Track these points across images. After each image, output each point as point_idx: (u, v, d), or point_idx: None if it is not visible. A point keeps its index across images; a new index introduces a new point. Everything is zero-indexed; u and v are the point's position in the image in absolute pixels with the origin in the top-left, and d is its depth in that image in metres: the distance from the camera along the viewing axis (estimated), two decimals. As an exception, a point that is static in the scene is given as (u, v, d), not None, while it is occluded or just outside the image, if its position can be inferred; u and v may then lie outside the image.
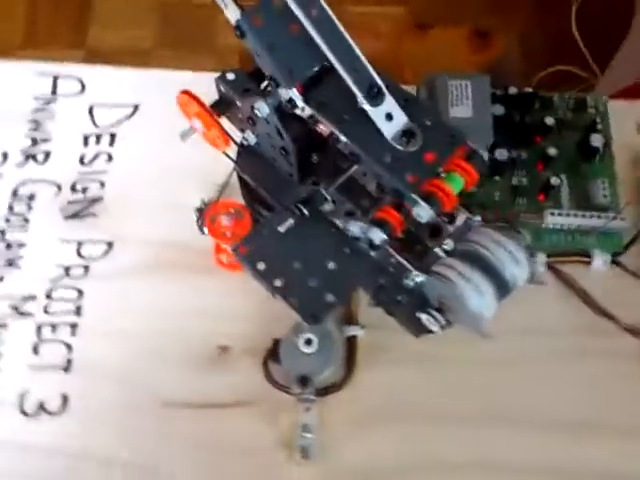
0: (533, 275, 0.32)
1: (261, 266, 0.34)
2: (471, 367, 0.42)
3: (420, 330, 0.33)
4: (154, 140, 0.48)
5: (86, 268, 0.44)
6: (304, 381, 0.40)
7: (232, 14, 0.30)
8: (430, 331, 0.33)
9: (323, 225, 0.35)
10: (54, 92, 0.49)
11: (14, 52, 1.17)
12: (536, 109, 0.48)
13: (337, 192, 0.35)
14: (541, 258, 0.44)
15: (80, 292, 0.43)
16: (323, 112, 0.30)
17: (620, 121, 0.48)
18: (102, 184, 0.47)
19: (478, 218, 0.33)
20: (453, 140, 0.29)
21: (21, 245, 0.44)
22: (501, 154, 0.44)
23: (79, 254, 0.44)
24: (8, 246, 0.44)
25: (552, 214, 0.44)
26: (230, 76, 0.35)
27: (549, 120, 0.46)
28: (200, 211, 0.44)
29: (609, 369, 0.42)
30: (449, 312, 0.31)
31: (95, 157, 0.48)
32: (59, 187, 0.46)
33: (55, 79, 0.50)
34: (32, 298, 0.43)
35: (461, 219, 0.34)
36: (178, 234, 0.45)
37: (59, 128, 0.48)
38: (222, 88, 0.36)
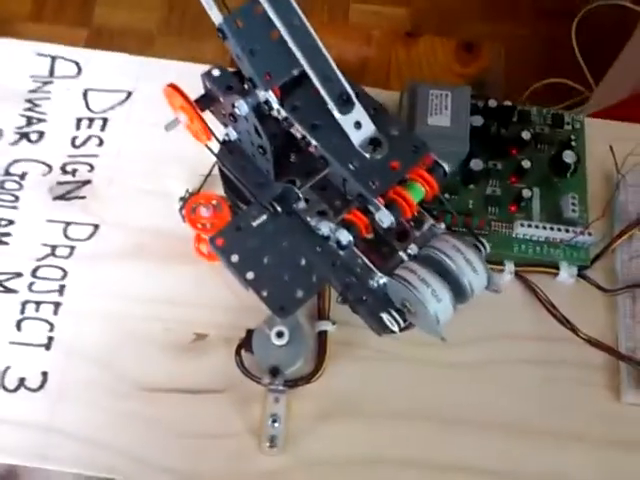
0: (490, 283, 0.33)
1: (235, 258, 0.36)
2: (436, 368, 0.43)
3: (382, 329, 0.35)
4: (145, 127, 0.49)
5: (72, 249, 0.46)
6: (274, 372, 0.41)
7: (215, 17, 0.31)
8: (392, 331, 0.34)
9: (296, 223, 0.36)
10: (51, 73, 0.51)
11: (20, 25, 1.18)
12: (514, 122, 0.49)
13: (311, 191, 0.37)
14: (509, 267, 0.46)
15: (64, 272, 0.45)
16: (296, 116, 0.32)
17: (595, 139, 0.50)
18: (92, 167, 0.48)
19: (442, 225, 0.34)
20: (417, 150, 0.31)
21: (10, 222, 0.46)
22: (476, 164, 0.46)
23: (65, 235, 0.46)
24: (-2, 223, 0.46)
25: (522, 225, 0.45)
26: (215, 72, 0.37)
27: (525, 134, 0.48)
28: (184, 200, 0.45)
29: (568, 376, 0.44)
30: (409, 314, 0.33)
31: (86, 140, 0.49)
32: (50, 167, 0.48)
33: (53, 60, 0.51)
34: (18, 275, 0.44)
35: (426, 225, 0.35)
36: (162, 221, 0.46)
37: (54, 109, 0.50)
38: (207, 84, 0.38)
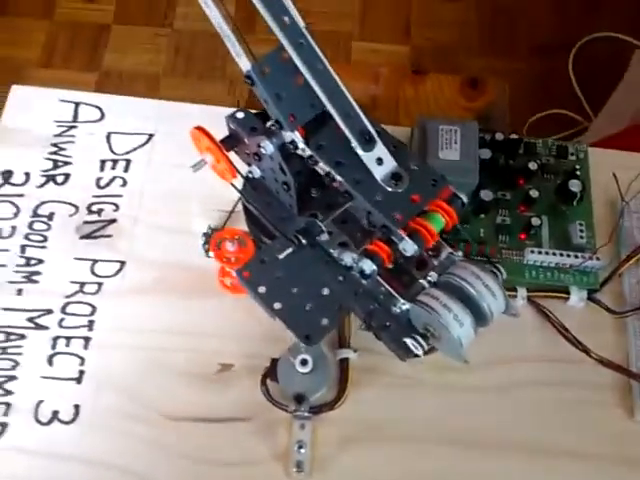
0: (508, 307, 0.35)
1: (262, 290, 0.38)
2: (456, 392, 0.45)
3: (406, 354, 0.36)
4: (166, 167, 0.52)
5: (99, 285, 0.47)
6: (299, 399, 0.43)
7: (244, 65, 0.34)
8: (415, 355, 0.36)
9: (319, 254, 0.38)
10: (75, 118, 0.53)
11: (31, 71, 1.22)
12: (521, 154, 0.52)
13: (333, 224, 0.39)
14: (522, 292, 0.48)
15: (93, 308, 0.46)
16: (321, 154, 0.34)
17: (599, 168, 0.52)
18: (116, 207, 0.50)
19: (460, 253, 0.36)
20: (436, 184, 0.33)
21: (40, 261, 0.48)
22: (486, 195, 0.48)
23: (93, 272, 0.48)
24: (28, 262, 0.48)
25: (532, 252, 0.47)
26: (239, 115, 0.39)
27: (532, 165, 0.50)
28: (207, 236, 0.47)
29: (581, 397, 0.45)
30: (432, 338, 0.35)
31: (111, 181, 0.51)
32: (76, 208, 0.50)
33: (76, 106, 0.54)
34: (49, 312, 0.46)
35: (444, 254, 0.37)
36: (185, 256, 0.48)
37: (78, 152, 0.52)
38: (231, 125, 0.40)
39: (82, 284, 0.47)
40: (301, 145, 0.34)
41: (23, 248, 0.48)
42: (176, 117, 0.53)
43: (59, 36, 1.28)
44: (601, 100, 1.08)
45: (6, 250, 0.48)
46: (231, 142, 0.40)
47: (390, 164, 0.33)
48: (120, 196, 0.51)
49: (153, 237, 0.49)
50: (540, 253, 0.48)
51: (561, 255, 0.48)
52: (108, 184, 0.51)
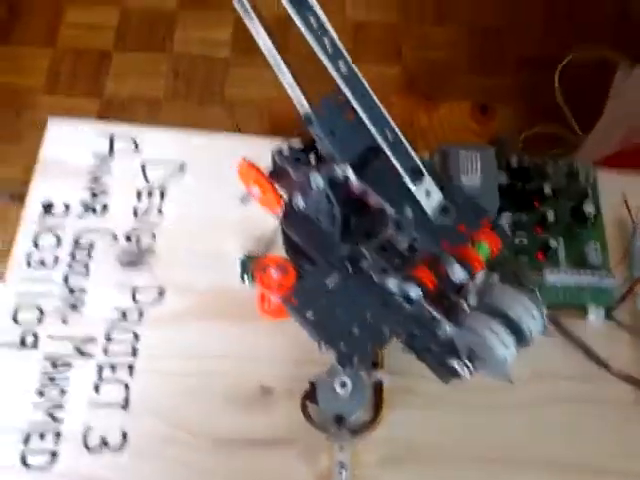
0: (545, 328, 0.37)
1: (309, 315, 0.40)
2: (487, 411, 0.47)
3: (450, 376, 0.38)
4: (200, 195, 0.54)
5: (141, 312, 0.49)
6: (339, 420, 0.45)
7: (303, 108, 0.36)
8: (458, 376, 0.38)
9: (363, 280, 0.40)
10: (111, 150, 0.55)
11: (36, 97, 1.24)
12: (534, 178, 0.55)
13: (374, 251, 0.41)
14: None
15: (136, 335, 0.48)
16: (373, 187, 0.36)
17: (609, 190, 0.55)
18: (153, 235, 0.52)
19: (496, 276, 0.39)
20: (479, 215, 0.36)
21: (82, 290, 0.49)
22: (505, 218, 0.51)
23: (134, 299, 0.49)
24: (71, 291, 0.49)
25: (551, 272, 0.50)
26: (285, 149, 0.41)
27: (546, 188, 0.53)
28: (244, 262, 0.49)
29: (603, 412, 0.48)
30: (476, 360, 0.37)
31: (147, 210, 0.53)
32: (115, 237, 0.52)
33: (112, 138, 0.56)
34: (93, 340, 0.48)
35: (481, 276, 0.39)
36: (223, 282, 0.50)
37: (115, 183, 0.54)
38: (277, 159, 0.42)
39: (124, 311, 0.49)
40: (353, 179, 0.37)
41: (66, 277, 0.50)
42: (207, 146, 0.56)
43: (62, 63, 1.30)
44: (588, 114, 1.12)
45: (50, 280, 0.49)
46: (277, 175, 0.42)
47: (437, 196, 0.36)
48: (157, 224, 0.53)
49: (191, 263, 0.51)
50: (558, 273, 0.50)
51: (578, 274, 0.50)
52: (145, 213, 0.53)
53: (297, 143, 0.42)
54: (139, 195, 0.54)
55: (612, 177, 0.57)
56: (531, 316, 0.36)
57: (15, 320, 0.48)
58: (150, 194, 0.54)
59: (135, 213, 0.53)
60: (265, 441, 0.45)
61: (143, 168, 0.55)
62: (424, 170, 0.35)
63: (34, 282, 0.50)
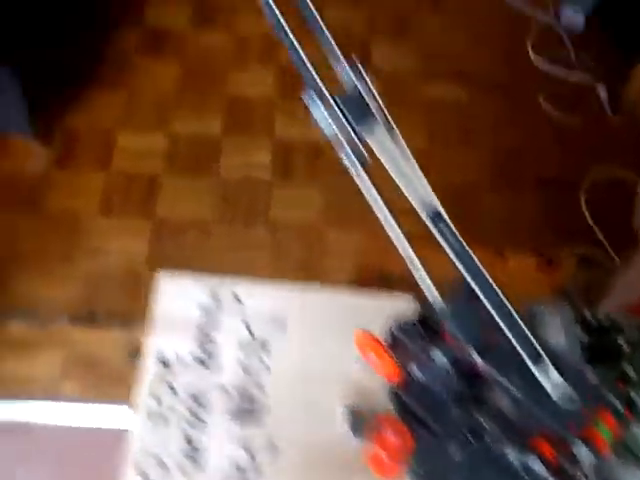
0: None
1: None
2: None
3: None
4: (304, 348, 0.58)
5: (255, 463, 0.53)
6: None
7: (434, 301, 0.41)
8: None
9: (481, 450, 0.44)
10: (216, 304, 0.60)
11: (89, 221, 1.31)
12: (610, 333, 0.59)
13: (489, 419, 0.45)
14: None
15: (253, 486, 0.52)
16: (499, 371, 0.41)
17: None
18: (261, 388, 0.56)
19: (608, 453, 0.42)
20: (598, 399, 0.40)
21: (199, 443, 0.53)
22: (592, 377, 0.55)
23: (248, 451, 0.53)
24: (189, 443, 0.53)
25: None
26: (405, 324, 0.47)
27: (623, 344, 0.57)
28: (353, 417, 0.53)
29: None
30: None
31: (253, 364, 0.58)
32: (226, 391, 0.56)
33: (216, 292, 0.61)
34: (212, 492, 0.51)
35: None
36: (328, 434, 0.54)
37: (222, 336, 0.59)
38: (395, 332, 0.47)
39: (239, 464, 0.52)
40: (478, 360, 0.42)
41: (184, 431, 0.54)
42: (306, 302, 0.61)
43: (115, 188, 1.38)
44: (620, 236, 1.17)
45: (169, 435, 0.53)
46: (394, 346, 0.47)
47: (555, 376, 0.40)
48: (263, 377, 0.57)
49: (298, 417, 0.55)
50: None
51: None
52: (251, 366, 0.57)
53: (412, 318, 0.47)
54: (244, 348, 0.58)
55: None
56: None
57: (141, 474, 0.51)
58: (254, 347, 0.58)
59: (243, 367, 0.58)
60: None
61: (247, 324, 0.60)
62: (543, 354, 0.40)
63: (154, 435, 0.53)
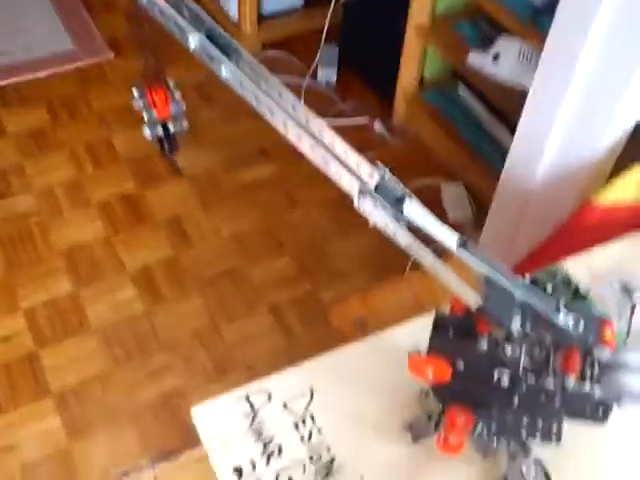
0: None
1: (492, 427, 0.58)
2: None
3: (605, 418, 0.58)
4: (342, 404, 0.68)
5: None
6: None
7: (473, 300, 0.55)
8: (609, 415, 0.58)
9: (530, 393, 0.58)
10: (252, 407, 0.68)
11: None
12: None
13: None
14: None
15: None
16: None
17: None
18: (329, 449, 0.65)
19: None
20: (599, 316, 0.58)
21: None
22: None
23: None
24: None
25: None
26: (441, 334, 0.60)
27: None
28: (413, 428, 0.65)
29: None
30: (624, 399, 0.57)
31: (310, 435, 0.66)
32: (304, 466, 0.64)
33: (247, 397, 0.68)
34: None
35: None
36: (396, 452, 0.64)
37: (273, 429, 0.66)
38: (436, 343, 0.60)
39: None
40: (517, 331, 0.56)
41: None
42: (327, 373, 0.71)
43: (-2, 383, 1.31)
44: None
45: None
46: (437, 350, 0.60)
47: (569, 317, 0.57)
48: (325, 440, 0.66)
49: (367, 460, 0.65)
50: None
51: None
52: (310, 435, 0.66)
53: (451, 318, 0.60)
54: (297, 427, 0.67)
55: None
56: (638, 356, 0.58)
57: None
58: (304, 422, 0.67)
59: (303, 439, 0.66)
60: None
61: (285, 404, 0.68)
62: (558, 307, 0.57)
63: None
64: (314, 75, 1.97)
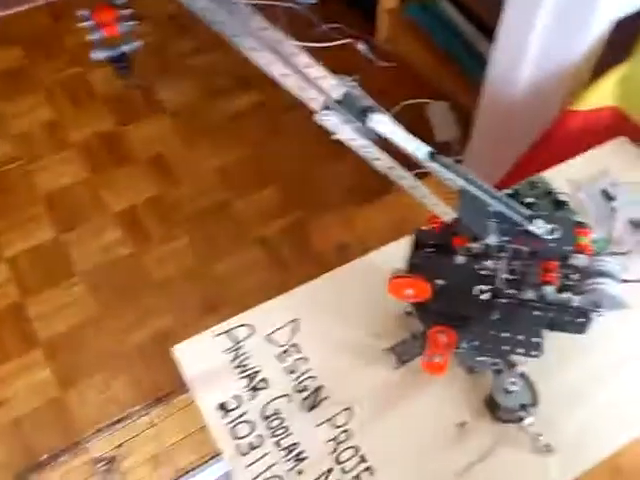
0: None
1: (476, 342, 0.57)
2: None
3: (586, 326, 0.57)
4: (330, 333, 0.67)
5: (348, 432, 0.61)
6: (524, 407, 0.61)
7: (448, 217, 0.53)
8: (589, 323, 0.57)
9: (511, 305, 0.57)
10: (236, 341, 0.67)
11: None
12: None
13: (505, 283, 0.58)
14: None
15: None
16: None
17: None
18: (314, 377, 0.65)
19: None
20: (572, 224, 0.56)
21: (294, 445, 0.61)
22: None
23: (335, 426, 0.62)
24: (285, 450, 0.60)
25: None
26: (419, 252, 0.58)
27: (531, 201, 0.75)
28: (396, 352, 0.64)
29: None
30: (602, 306, 0.56)
31: (296, 363, 0.65)
32: (288, 395, 0.63)
33: (230, 332, 0.67)
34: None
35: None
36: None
37: (258, 360, 0.66)
38: (414, 261, 0.58)
39: (337, 438, 0.61)
40: (494, 243, 0.54)
41: (278, 443, 0.61)
42: (310, 302, 0.70)
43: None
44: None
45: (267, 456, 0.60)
46: (415, 269, 0.58)
47: (545, 226, 0.55)
48: (310, 369, 0.65)
49: (351, 379, 0.64)
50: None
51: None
52: (295, 366, 0.65)
53: (429, 235, 0.58)
54: (282, 358, 0.66)
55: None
56: (617, 265, 0.57)
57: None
58: (289, 353, 0.66)
59: (288, 370, 0.65)
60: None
61: (268, 337, 0.67)
62: (532, 213, 0.54)
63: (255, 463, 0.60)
64: (293, -1, 1.88)
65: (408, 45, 1.72)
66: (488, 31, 1.49)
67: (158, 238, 1.46)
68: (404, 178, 0.51)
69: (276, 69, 0.42)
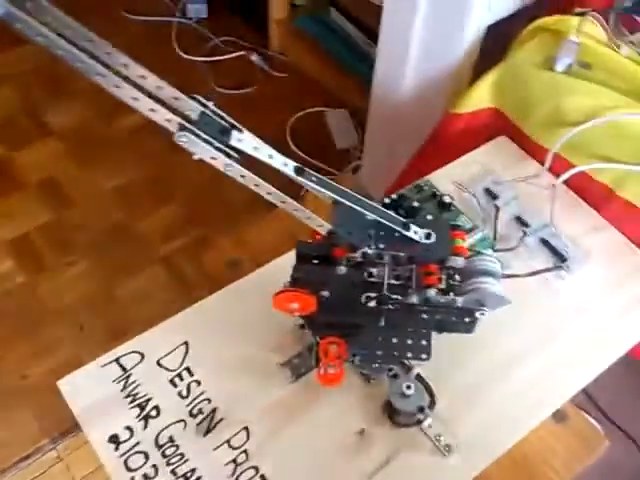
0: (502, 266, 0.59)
1: (363, 353, 0.57)
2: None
3: (472, 326, 0.58)
4: (220, 351, 0.66)
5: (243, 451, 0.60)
6: (422, 409, 0.61)
7: (323, 229, 0.52)
8: (476, 323, 0.58)
9: (397, 311, 0.58)
10: (124, 369, 0.64)
11: None
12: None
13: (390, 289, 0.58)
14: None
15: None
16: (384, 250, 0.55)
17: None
18: (209, 400, 0.63)
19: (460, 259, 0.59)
20: (452, 227, 0.57)
21: (192, 471, 0.59)
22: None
23: (233, 447, 0.60)
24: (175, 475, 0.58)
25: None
26: (301, 265, 0.57)
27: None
28: (292, 366, 0.63)
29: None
30: (486, 305, 0.57)
31: (189, 387, 0.63)
32: (184, 422, 0.61)
33: (118, 361, 0.64)
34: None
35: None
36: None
37: (148, 388, 0.63)
38: (297, 275, 0.57)
39: (236, 460, 0.59)
40: (371, 251, 0.54)
41: (174, 471, 0.58)
42: (200, 323, 0.68)
43: None
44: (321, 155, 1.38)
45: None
46: (299, 282, 0.57)
47: (421, 231, 0.55)
48: (204, 392, 0.63)
49: (245, 397, 0.63)
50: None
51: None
52: (188, 390, 0.63)
53: (311, 247, 0.57)
54: (174, 382, 0.64)
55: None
56: (496, 263, 0.58)
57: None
58: (181, 377, 0.64)
59: (181, 395, 0.63)
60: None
61: (159, 363, 0.65)
62: (407, 223, 0.55)
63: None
64: (183, 13, 1.85)
65: (300, 55, 1.73)
66: (377, 37, 1.53)
67: (56, 265, 1.40)
68: (271, 194, 0.50)
69: (124, 93, 0.41)
